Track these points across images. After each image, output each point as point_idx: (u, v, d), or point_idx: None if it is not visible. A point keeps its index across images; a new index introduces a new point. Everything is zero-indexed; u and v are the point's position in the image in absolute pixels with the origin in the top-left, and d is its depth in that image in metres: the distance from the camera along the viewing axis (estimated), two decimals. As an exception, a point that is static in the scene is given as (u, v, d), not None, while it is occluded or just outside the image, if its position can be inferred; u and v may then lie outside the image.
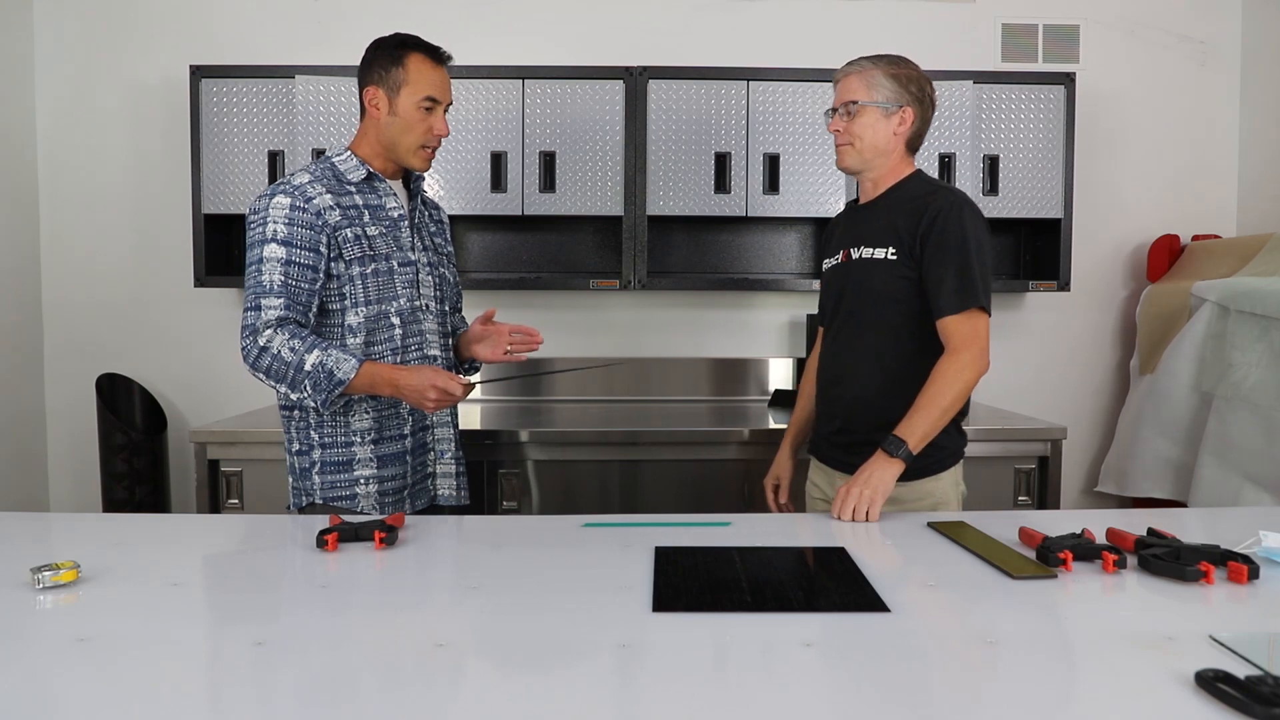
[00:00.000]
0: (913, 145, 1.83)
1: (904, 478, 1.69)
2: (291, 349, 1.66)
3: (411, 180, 1.89)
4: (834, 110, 1.82)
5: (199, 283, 2.82)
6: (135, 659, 0.96)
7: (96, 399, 2.94)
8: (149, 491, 2.93)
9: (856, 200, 1.92)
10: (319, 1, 3.05)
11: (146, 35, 3.04)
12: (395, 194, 1.84)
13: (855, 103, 1.76)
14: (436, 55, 1.79)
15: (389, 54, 1.77)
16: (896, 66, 1.78)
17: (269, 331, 1.67)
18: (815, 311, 3.03)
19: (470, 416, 2.82)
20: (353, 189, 1.79)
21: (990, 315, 1.72)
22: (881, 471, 1.62)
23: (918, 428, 1.64)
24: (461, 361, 2.02)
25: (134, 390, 3.04)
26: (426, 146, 1.80)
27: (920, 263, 1.73)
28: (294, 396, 1.69)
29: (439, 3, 3.04)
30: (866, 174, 1.82)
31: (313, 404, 1.69)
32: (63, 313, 3.09)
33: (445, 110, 1.81)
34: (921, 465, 1.71)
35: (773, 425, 2.57)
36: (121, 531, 1.55)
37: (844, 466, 1.82)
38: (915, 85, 1.77)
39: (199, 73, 2.77)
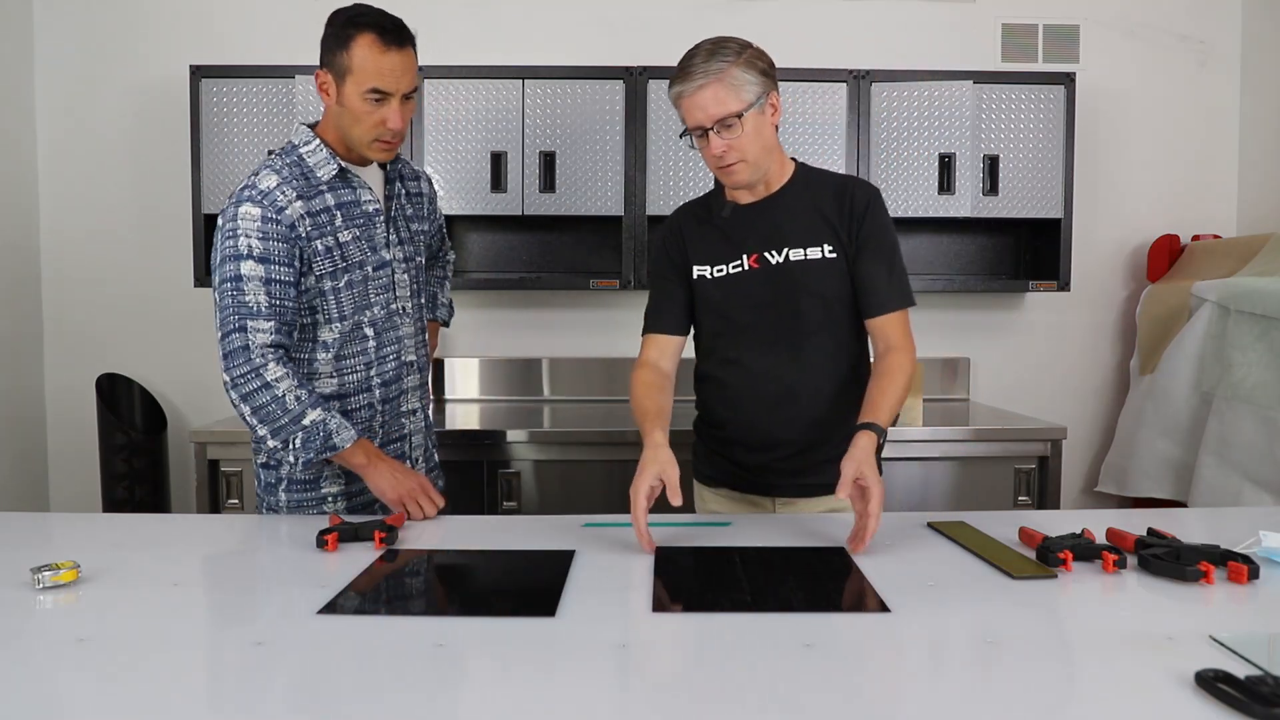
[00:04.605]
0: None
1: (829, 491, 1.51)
2: (297, 398, 1.53)
3: (389, 164, 1.71)
4: (700, 131, 1.54)
5: (199, 283, 2.82)
6: (135, 659, 0.96)
7: (96, 399, 2.94)
8: (149, 491, 2.93)
9: (719, 196, 1.69)
10: (319, 1, 3.04)
11: (146, 35, 3.03)
12: (369, 186, 1.67)
13: (738, 116, 1.52)
14: (389, 36, 1.52)
15: (336, 33, 1.55)
16: (739, 53, 1.54)
17: (272, 365, 1.53)
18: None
19: (470, 416, 2.82)
20: (324, 187, 1.61)
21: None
22: (874, 462, 1.42)
23: (885, 416, 1.49)
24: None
25: (134, 390, 3.04)
26: (380, 140, 1.58)
27: (854, 258, 1.62)
28: (271, 444, 1.55)
29: (440, 3, 3.04)
30: (759, 181, 1.64)
31: (291, 460, 1.56)
32: (63, 313, 3.09)
33: (406, 98, 1.56)
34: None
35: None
36: (121, 531, 1.55)
37: (795, 491, 1.70)
38: (762, 61, 1.57)
39: (199, 73, 2.76)
